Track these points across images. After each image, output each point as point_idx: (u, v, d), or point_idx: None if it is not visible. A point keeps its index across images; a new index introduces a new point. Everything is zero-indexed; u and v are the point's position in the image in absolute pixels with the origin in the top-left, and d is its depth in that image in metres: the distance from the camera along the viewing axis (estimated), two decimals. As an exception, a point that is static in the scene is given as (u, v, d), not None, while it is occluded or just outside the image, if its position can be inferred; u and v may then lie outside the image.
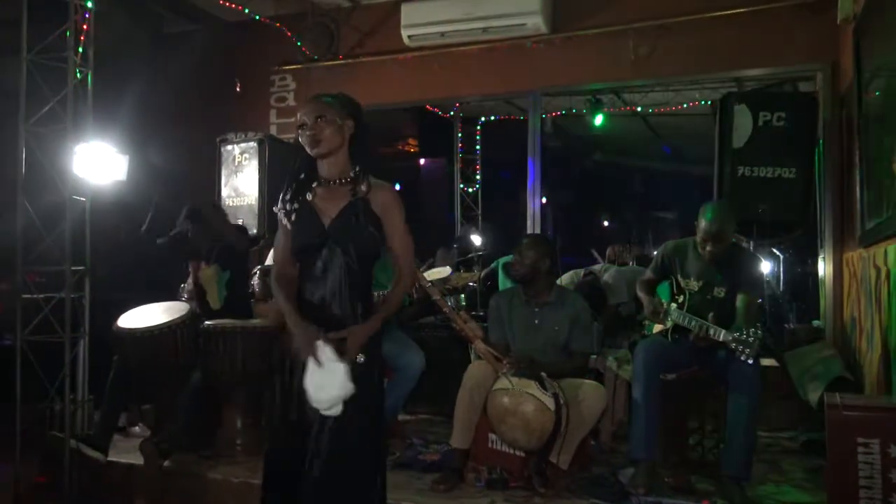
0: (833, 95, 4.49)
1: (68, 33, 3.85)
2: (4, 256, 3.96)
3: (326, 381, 2.20)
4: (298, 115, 2.34)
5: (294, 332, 2.27)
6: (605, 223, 12.73)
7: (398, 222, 2.39)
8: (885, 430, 2.59)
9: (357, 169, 2.37)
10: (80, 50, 3.97)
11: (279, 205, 2.41)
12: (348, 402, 2.22)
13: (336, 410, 2.22)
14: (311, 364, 2.20)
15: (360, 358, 2.28)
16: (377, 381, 2.41)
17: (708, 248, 3.42)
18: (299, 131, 2.33)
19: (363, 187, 2.35)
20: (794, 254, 5.23)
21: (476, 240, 7.51)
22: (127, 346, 3.88)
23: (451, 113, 8.14)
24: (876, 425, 2.61)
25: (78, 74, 3.95)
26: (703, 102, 6.59)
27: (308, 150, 2.33)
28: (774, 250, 5.04)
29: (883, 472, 2.58)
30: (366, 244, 2.35)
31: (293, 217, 2.37)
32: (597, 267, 5.34)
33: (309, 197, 2.38)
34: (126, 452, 3.89)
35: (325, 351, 2.21)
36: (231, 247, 4.22)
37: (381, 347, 2.43)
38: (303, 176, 2.39)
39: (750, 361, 3.15)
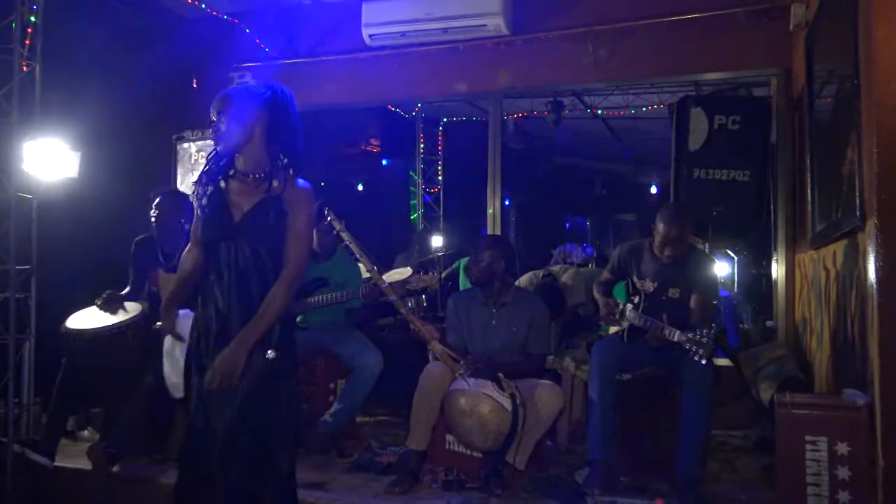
0: (786, 100, 4.57)
1: (14, 24, 3.74)
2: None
3: (169, 367, 2.44)
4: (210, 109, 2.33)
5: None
6: (567, 225, 12.83)
7: (304, 222, 2.32)
8: (832, 427, 2.66)
9: (271, 166, 2.31)
10: (28, 42, 3.86)
11: (193, 187, 2.37)
12: (256, 400, 2.20)
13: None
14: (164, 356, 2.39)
15: (270, 354, 2.23)
16: (289, 379, 2.37)
17: (666, 252, 3.46)
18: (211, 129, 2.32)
19: (275, 184, 2.29)
20: (748, 255, 5.32)
21: (437, 241, 7.50)
22: (76, 348, 3.76)
23: (413, 113, 8.12)
24: (823, 423, 2.67)
25: (24, 67, 3.84)
26: (661, 105, 6.68)
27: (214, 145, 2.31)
28: (729, 252, 5.12)
29: (830, 469, 2.64)
30: (275, 238, 2.28)
31: (204, 202, 2.32)
32: (556, 268, 5.36)
33: (222, 185, 2.32)
34: (74, 457, 3.78)
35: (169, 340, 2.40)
36: None
37: (294, 343, 2.37)
38: (223, 162, 2.34)
39: (703, 361, 3.19)
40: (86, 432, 4.26)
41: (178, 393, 2.43)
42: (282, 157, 2.33)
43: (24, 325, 3.89)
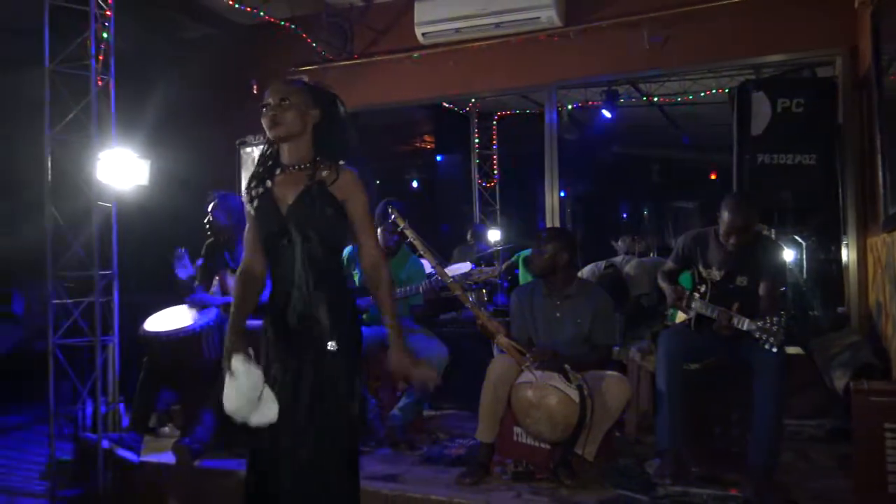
0: (852, 80, 4.44)
1: (89, 42, 3.92)
2: (36, 262, 4.04)
3: (234, 393, 2.19)
4: (265, 95, 2.32)
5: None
6: (625, 215, 12.67)
7: (361, 207, 2.31)
8: (912, 415, 2.59)
9: (317, 157, 2.33)
10: (101, 58, 4.04)
11: (244, 193, 2.39)
12: (317, 397, 2.21)
13: (261, 417, 2.18)
14: (227, 381, 2.20)
15: (332, 345, 2.24)
16: (351, 372, 2.30)
17: (731, 240, 3.42)
18: (263, 111, 2.30)
19: (323, 172, 2.29)
20: (816, 241, 5.17)
21: (494, 235, 7.52)
22: (154, 349, 3.94)
23: (467, 109, 8.15)
24: (904, 410, 2.61)
25: (99, 82, 4.02)
26: (720, 91, 6.54)
27: (267, 131, 2.30)
28: (797, 237, 4.99)
29: (912, 457, 2.57)
30: (326, 228, 2.29)
31: (255, 203, 2.34)
32: (617, 259, 5.33)
33: (268, 184, 2.34)
34: (157, 452, 3.96)
35: (238, 360, 2.20)
36: None
37: (358, 337, 2.36)
38: (270, 163, 2.37)
39: (774, 350, 3.15)
40: (167, 428, 4.44)
41: (240, 416, 2.23)
42: (327, 150, 2.34)
43: (107, 327, 4.08)
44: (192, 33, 6.41)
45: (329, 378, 2.24)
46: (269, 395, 2.21)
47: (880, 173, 3.72)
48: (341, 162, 2.33)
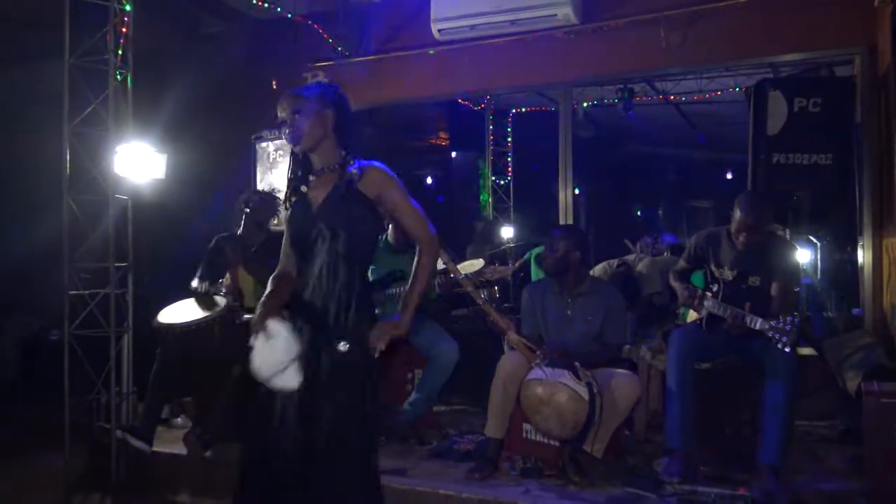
0: (871, 79, 4.40)
1: (108, 36, 3.96)
2: (53, 252, 4.10)
3: (267, 351, 2.19)
4: (278, 111, 2.34)
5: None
6: (639, 213, 12.62)
7: (398, 196, 2.34)
8: (924, 417, 2.57)
9: (345, 154, 2.34)
10: (120, 52, 4.08)
11: (283, 202, 2.43)
12: (329, 398, 2.21)
13: (284, 382, 2.19)
14: (259, 339, 2.20)
15: (343, 346, 2.24)
16: (367, 371, 2.31)
17: (741, 238, 3.41)
18: (282, 128, 2.33)
19: (353, 171, 2.31)
20: (831, 241, 5.14)
21: (507, 232, 7.52)
22: (167, 341, 3.98)
23: (482, 105, 8.15)
24: (915, 412, 2.59)
25: (118, 76, 4.07)
26: (737, 89, 6.50)
27: (291, 146, 2.34)
28: (812, 238, 4.96)
29: (922, 460, 2.56)
30: (355, 224, 2.29)
31: (290, 210, 2.38)
32: (630, 257, 5.32)
33: (303, 190, 2.37)
34: (170, 443, 4.01)
35: (273, 323, 2.20)
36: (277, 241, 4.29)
37: (369, 342, 2.32)
38: (300, 170, 2.39)
39: (787, 350, 3.13)
40: (179, 420, 4.50)
41: (265, 374, 2.22)
42: (352, 145, 2.37)
43: (122, 319, 4.12)
44: (210, 28, 6.46)
45: (340, 376, 2.25)
46: (297, 365, 2.22)
47: (897, 174, 3.69)
48: (365, 161, 2.34)
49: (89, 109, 4.00)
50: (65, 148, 3.98)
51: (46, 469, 3.97)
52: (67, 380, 3.91)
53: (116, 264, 4.00)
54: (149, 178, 4.54)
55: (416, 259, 2.39)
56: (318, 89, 2.39)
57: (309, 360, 2.25)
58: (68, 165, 3.99)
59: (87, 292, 3.97)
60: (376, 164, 2.35)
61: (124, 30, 4.11)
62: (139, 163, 4.21)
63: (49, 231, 4.21)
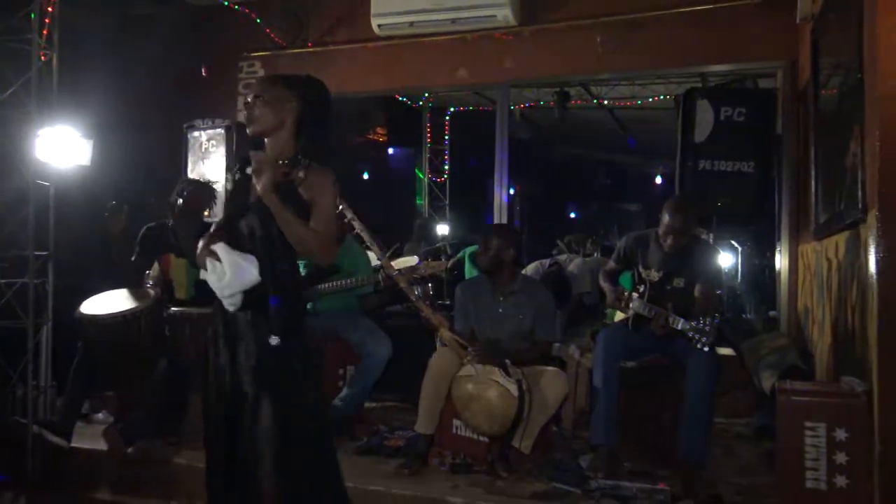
0: (792, 92, 4.61)
1: (32, 15, 3.80)
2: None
3: (217, 275, 2.24)
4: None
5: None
6: (572, 214, 12.87)
7: (326, 206, 2.30)
8: (830, 414, 2.72)
9: (297, 155, 2.32)
10: (45, 32, 3.92)
11: (225, 174, 2.45)
12: (265, 395, 2.22)
13: (226, 286, 2.22)
14: (208, 264, 2.25)
15: (274, 340, 2.24)
16: (297, 366, 2.31)
17: (669, 241, 3.52)
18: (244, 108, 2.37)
19: (300, 174, 2.28)
20: (752, 246, 5.37)
21: (442, 230, 7.55)
22: (90, 333, 3.84)
23: (420, 103, 8.16)
24: (822, 410, 2.74)
25: (42, 57, 3.90)
26: (667, 97, 6.71)
27: (246, 127, 2.36)
28: (733, 242, 5.17)
29: (828, 455, 2.71)
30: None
31: (229, 185, 2.41)
32: (562, 257, 5.42)
33: (248, 171, 2.34)
34: (89, 439, 3.87)
35: (219, 247, 2.25)
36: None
37: (301, 334, 2.35)
38: (253, 151, 2.40)
39: (706, 349, 3.26)
40: (100, 415, 4.34)
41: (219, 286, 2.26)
42: (305, 148, 2.34)
43: (41, 310, 3.96)
44: (141, 11, 6.25)
45: (273, 370, 2.25)
46: (248, 258, 2.24)
47: (813, 183, 3.87)
48: (312, 163, 2.32)
49: (10, 91, 3.82)
50: (-17, 131, 3.80)
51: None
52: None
53: (36, 253, 3.84)
54: (73, 164, 4.36)
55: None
56: (292, 80, 2.38)
57: (247, 353, 2.27)
58: (-14, 149, 3.81)
59: (3, 282, 3.80)
60: (328, 171, 2.33)
61: (50, 9, 3.94)
62: (63, 148, 4.04)
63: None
